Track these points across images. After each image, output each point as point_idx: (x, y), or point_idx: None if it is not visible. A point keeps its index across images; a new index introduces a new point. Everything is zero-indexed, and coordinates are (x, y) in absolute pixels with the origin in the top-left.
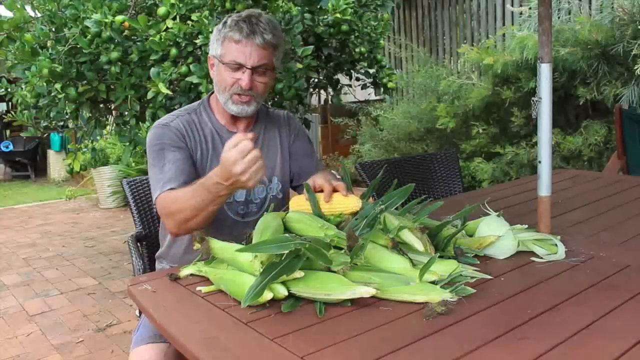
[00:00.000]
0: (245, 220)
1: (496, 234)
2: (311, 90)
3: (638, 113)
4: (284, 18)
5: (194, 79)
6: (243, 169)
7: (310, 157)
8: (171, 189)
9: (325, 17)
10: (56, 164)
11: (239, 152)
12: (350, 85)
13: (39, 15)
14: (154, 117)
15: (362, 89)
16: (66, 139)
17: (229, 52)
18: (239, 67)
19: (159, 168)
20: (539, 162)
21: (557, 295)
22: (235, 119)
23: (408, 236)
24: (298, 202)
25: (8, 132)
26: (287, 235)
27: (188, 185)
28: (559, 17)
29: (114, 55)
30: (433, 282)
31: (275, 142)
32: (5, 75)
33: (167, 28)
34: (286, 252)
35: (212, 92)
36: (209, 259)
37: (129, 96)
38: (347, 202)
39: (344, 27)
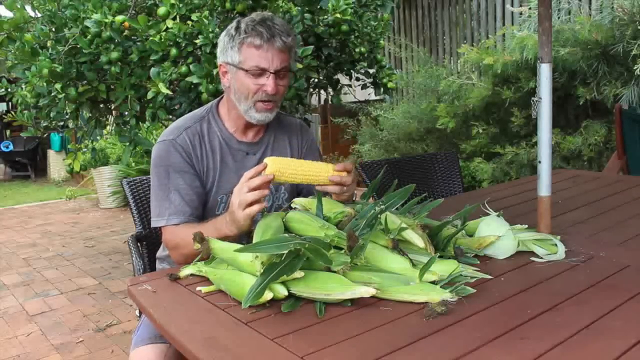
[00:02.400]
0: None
1: (496, 234)
2: (311, 90)
3: (638, 113)
4: (284, 18)
5: (194, 79)
6: (239, 199)
7: None
8: (177, 223)
9: (325, 17)
10: (56, 164)
11: (239, 186)
12: (350, 85)
13: (39, 15)
14: (154, 117)
15: (362, 89)
16: (66, 139)
17: (250, 58)
18: (262, 72)
19: (164, 194)
20: (539, 162)
21: (557, 295)
22: (246, 126)
23: (409, 233)
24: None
25: (8, 132)
26: (286, 235)
27: (193, 216)
28: (559, 17)
29: (114, 55)
30: (433, 282)
31: (285, 150)
32: (5, 75)
33: (167, 28)
34: (285, 252)
35: (220, 99)
36: (209, 259)
37: (129, 96)
38: (316, 169)
39: (344, 27)
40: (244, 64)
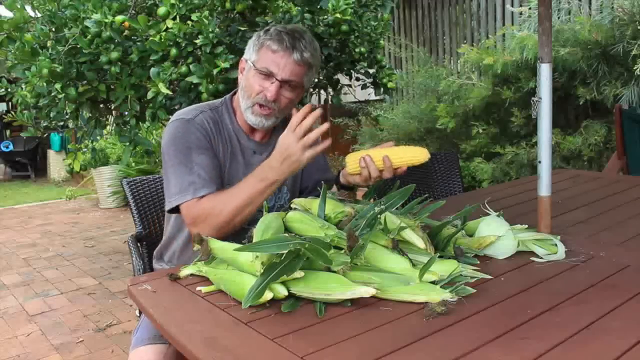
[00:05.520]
0: (251, 226)
1: (496, 234)
2: (311, 90)
3: (638, 113)
4: (284, 18)
5: (194, 79)
6: (298, 136)
7: (325, 171)
8: (204, 195)
9: (325, 17)
10: (56, 164)
11: (291, 126)
12: (350, 85)
13: (39, 15)
14: (154, 117)
15: (362, 89)
16: (66, 139)
17: (264, 59)
18: (269, 76)
19: (187, 168)
20: (539, 162)
21: (557, 295)
22: (252, 127)
23: (409, 234)
24: (353, 159)
25: (8, 132)
26: (286, 235)
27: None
28: (559, 17)
29: (114, 55)
30: (433, 282)
31: None
32: (5, 75)
33: (167, 28)
34: (285, 252)
35: (235, 93)
36: (209, 259)
37: (129, 96)
38: (412, 151)
39: (344, 27)
40: (257, 63)
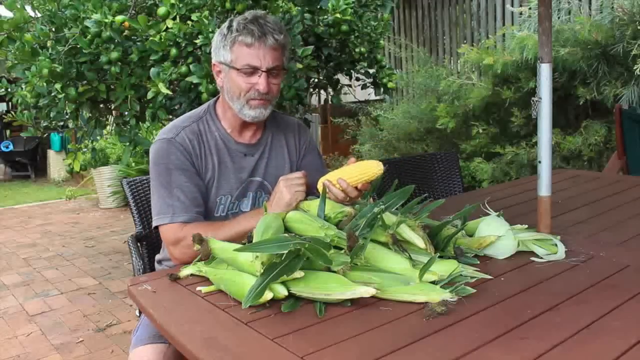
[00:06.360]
0: None
1: (496, 234)
2: (311, 90)
3: (638, 113)
4: (284, 18)
5: (194, 79)
6: (288, 183)
7: (321, 172)
8: (184, 221)
9: (325, 17)
10: (56, 164)
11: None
12: (350, 85)
13: (39, 15)
14: (154, 117)
15: (362, 89)
16: (66, 139)
17: (242, 56)
18: (254, 71)
19: (167, 191)
20: (539, 162)
21: (557, 295)
22: (242, 126)
23: (408, 233)
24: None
25: (8, 132)
26: (286, 235)
27: (199, 214)
28: (559, 17)
29: (114, 55)
30: (433, 282)
31: (282, 150)
32: (5, 75)
33: (167, 28)
34: (285, 252)
35: (217, 99)
36: (209, 259)
37: (129, 96)
38: (368, 168)
39: (344, 27)
40: (236, 62)
